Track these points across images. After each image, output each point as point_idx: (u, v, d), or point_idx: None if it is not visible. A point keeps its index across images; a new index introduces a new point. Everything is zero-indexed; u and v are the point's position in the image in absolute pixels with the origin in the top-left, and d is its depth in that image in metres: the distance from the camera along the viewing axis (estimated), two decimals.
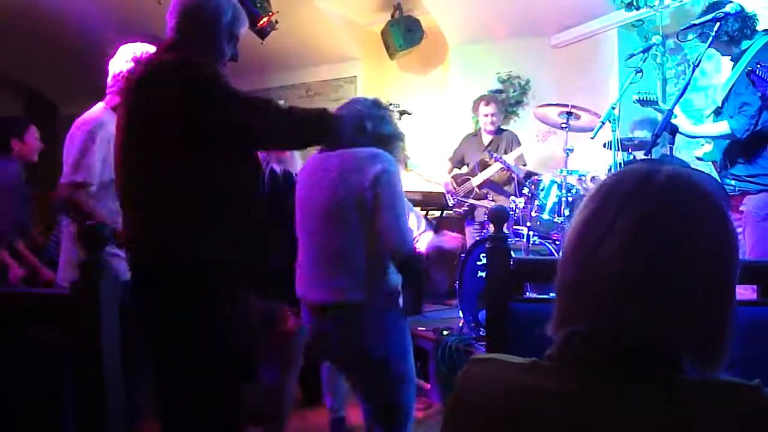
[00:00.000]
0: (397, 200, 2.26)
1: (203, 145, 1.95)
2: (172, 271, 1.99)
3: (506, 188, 5.06)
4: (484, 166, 5.08)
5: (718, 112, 3.39)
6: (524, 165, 5.00)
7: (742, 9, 3.15)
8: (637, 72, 3.37)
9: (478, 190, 5.07)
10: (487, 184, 5.07)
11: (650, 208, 0.83)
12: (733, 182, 3.27)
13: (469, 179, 5.14)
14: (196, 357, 2.00)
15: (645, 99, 3.39)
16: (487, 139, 5.26)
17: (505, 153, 5.00)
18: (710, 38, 3.00)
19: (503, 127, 5.45)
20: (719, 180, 3.35)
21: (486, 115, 5.18)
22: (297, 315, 2.72)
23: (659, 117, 3.41)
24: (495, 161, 4.77)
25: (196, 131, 1.94)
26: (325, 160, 2.38)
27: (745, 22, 3.19)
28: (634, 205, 0.83)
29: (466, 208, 5.14)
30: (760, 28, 3.26)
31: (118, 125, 2.10)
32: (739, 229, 3.31)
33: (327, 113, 2.19)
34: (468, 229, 5.22)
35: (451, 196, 5.18)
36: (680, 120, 3.32)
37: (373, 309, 2.30)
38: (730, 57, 3.35)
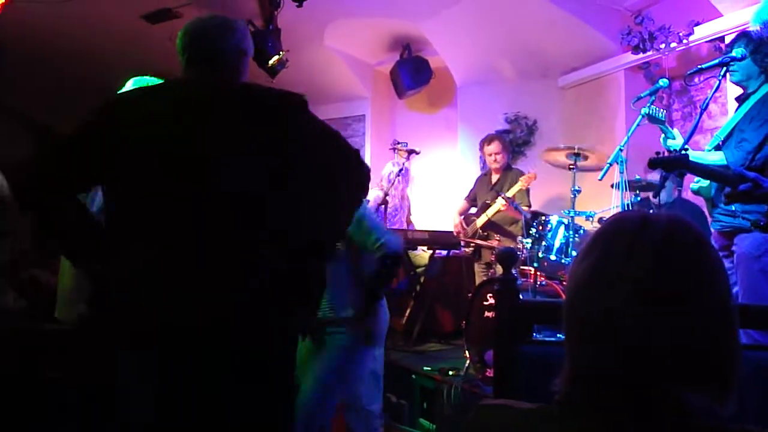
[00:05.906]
0: None
1: None
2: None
3: (510, 228, 5.01)
4: (485, 207, 5.06)
5: (718, 148, 3.37)
6: (529, 206, 4.95)
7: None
8: (644, 115, 3.38)
9: (481, 231, 5.06)
10: (489, 225, 5.04)
11: (656, 254, 0.83)
12: (726, 218, 3.16)
13: (475, 220, 5.14)
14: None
15: (654, 115, 3.37)
16: (495, 178, 5.27)
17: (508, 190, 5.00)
18: (718, 82, 3.02)
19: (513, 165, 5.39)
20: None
21: (490, 155, 5.21)
22: None
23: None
24: (495, 202, 4.80)
25: None
26: None
27: None
28: (640, 252, 0.84)
29: (473, 248, 5.13)
30: None
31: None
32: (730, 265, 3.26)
33: None
34: (476, 268, 5.21)
35: (461, 236, 5.16)
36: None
37: None
38: (735, 97, 3.35)
